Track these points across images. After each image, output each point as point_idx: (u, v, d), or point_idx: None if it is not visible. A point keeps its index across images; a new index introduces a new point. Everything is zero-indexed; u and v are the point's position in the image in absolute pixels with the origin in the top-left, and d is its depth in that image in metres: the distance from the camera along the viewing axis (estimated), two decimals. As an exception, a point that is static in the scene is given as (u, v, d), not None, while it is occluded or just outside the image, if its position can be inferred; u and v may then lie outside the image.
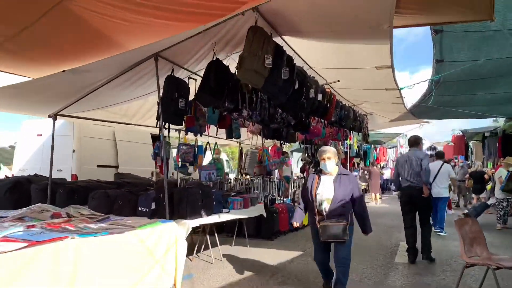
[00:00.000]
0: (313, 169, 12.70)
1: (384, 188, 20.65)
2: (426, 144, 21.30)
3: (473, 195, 13.00)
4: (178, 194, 4.74)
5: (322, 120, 8.38)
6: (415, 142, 6.55)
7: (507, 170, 8.89)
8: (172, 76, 4.90)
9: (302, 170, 11.13)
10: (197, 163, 6.01)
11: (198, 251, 6.45)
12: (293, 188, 9.03)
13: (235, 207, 5.98)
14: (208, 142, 7.15)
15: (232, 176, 14.01)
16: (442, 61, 6.04)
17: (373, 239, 7.50)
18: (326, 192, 4.24)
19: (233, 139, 7.00)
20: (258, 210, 6.62)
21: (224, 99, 4.65)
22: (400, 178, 6.39)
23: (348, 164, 18.17)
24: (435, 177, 8.10)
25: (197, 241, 6.43)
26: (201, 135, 5.68)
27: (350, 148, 17.71)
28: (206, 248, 6.31)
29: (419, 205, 6.10)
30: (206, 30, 4.30)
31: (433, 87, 6.64)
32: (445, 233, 8.44)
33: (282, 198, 8.72)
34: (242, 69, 4.10)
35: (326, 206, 4.19)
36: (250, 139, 10.73)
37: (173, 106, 4.83)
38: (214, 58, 4.66)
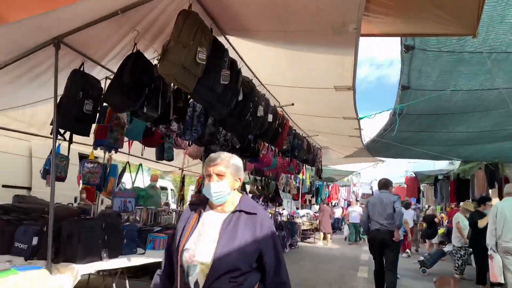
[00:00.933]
0: (262, 203, 11.66)
1: (335, 227, 19.95)
2: (376, 184, 21.07)
3: (426, 240, 12.47)
4: (68, 227, 3.48)
5: (273, 148, 7.43)
6: (385, 184, 6.49)
7: (465, 216, 8.33)
8: (79, 71, 3.75)
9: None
10: (106, 188, 4.76)
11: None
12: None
13: (157, 247, 4.74)
14: (127, 162, 5.91)
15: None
16: (408, 88, 5.35)
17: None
18: (202, 249, 1.89)
19: (167, 162, 5.79)
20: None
21: (142, 102, 3.55)
22: (369, 220, 6.24)
23: (300, 200, 17.42)
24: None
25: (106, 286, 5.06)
26: (115, 152, 4.47)
27: (302, 184, 17.01)
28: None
29: (388, 248, 5.97)
30: (123, 11, 3.28)
31: (397, 117, 5.94)
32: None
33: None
34: (166, 62, 3.04)
35: (199, 279, 1.84)
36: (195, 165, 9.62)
37: (76, 109, 3.64)
38: (134, 50, 3.59)
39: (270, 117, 5.24)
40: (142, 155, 5.34)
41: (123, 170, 5.81)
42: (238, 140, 5.63)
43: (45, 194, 7.48)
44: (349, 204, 18.09)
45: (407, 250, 12.42)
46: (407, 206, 11.91)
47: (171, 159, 5.63)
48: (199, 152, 6.29)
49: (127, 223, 4.25)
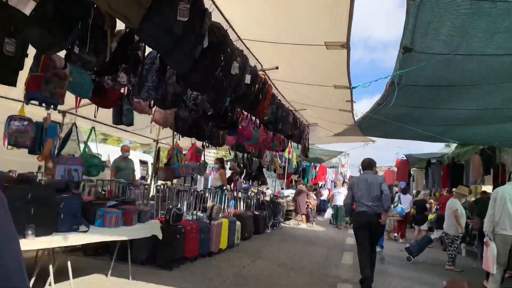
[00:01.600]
0: (244, 181, 10.98)
1: (321, 209, 19.47)
2: (366, 167, 20.51)
3: (414, 226, 11.96)
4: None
5: (254, 119, 6.66)
6: (368, 165, 6.18)
7: (459, 200, 7.74)
8: (-5, -2, 2.89)
9: (230, 180, 9.37)
10: (41, 152, 3.96)
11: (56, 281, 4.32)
12: (210, 201, 7.19)
13: (107, 223, 4.00)
14: (74, 124, 5.07)
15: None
16: (411, 50, 4.57)
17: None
18: None
19: (124, 126, 4.97)
20: (148, 229, 4.67)
21: (72, 40, 2.72)
22: (353, 201, 5.90)
23: (286, 181, 16.81)
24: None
25: (55, 265, 4.30)
26: (54, 108, 3.65)
27: (288, 163, 16.37)
28: (64, 276, 4.21)
29: (374, 231, 5.71)
30: None
31: (396, 85, 5.18)
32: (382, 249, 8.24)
33: (195, 213, 6.83)
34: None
35: None
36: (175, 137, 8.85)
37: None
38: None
39: (248, 78, 4.45)
40: (95, 116, 4.52)
41: (69, 133, 4.98)
42: (210, 105, 4.83)
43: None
44: (335, 186, 17.40)
45: (395, 234, 11.97)
46: (404, 191, 11.36)
47: (130, 123, 4.82)
48: (167, 118, 5.49)
49: (66, 195, 3.49)
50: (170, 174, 5.83)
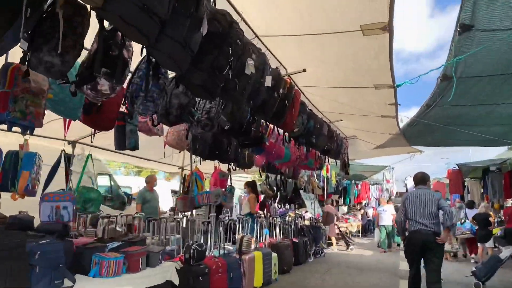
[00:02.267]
0: (279, 205, 10.00)
1: (366, 229, 18.02)
2: (411, 181, 18.96)
3: (479, 244, 10.44)
4: None
5: (283, 133, 5.79)
6: (422, 179, 5.62)
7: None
8: None
9: (263, 206, 8.45)
10: (15, 188, 3.26)
11: None
12: (240, 231, 6.28)
13: (105, 272, 3.20)
14: (89, 155, 4.32)
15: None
16: (471, 28, 3.61)
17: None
18: None
19: (128, 151, 4.23)
20: (159, 274, 3.83)
21: (15, 33, 2.00)
22: (406, 219, 5.40)
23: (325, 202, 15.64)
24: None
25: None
26: (31, 133, 2.94)
27: (327, 183, 15.26)
28: None
29: (430, 253, 5.10)
30: None
31: (454, 75, 4.18)
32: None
33: (221, 247, 5.96)
34: None
35: None
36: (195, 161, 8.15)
37: None
38: None
39: (268, 81, 3.62)
40: (91, 142, 3.82)
41: (57, 163, 4.29)
42: (227, 118, 4.03)
43: None
44: (379, 204, 15.88)
45: (473, 255, 10.59)
46: (470, 205, 9.97)
47: (134, 147, 4.07)
48: (182, 139, 4.73)
49: (44, 241, 2.74)
50: (188, 204, 5.03)
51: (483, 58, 4.21)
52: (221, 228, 6.00)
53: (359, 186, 17.59)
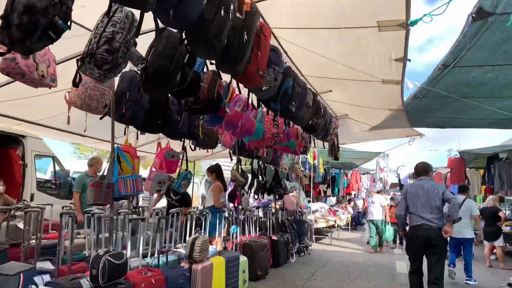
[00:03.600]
0: (253, 195, 8.47)
1: (356, 222, 16.68)
2: (405, 171, 17.63)
3: (485, 242, 9.12)
4: None
5: (250, 98, 4.23)
6: (424, 169, 5.20)
7: None
8: None
9: (232, 196, 6.86)
10: None
11: None
12: (194, 230, 4.71)
13: None
14: None
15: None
16: None
17: None
18: None
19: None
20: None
21: None
22: (407, 213, 5.06)
23: (312, 192, 14.23)
24: None
25: None
26: None
27: (314, 171, 13.84)
28: None
29: (432, 250, 4.75)
30: None
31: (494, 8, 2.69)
32: (475, 281, 6.90)
33: (174, 251, 4.44)
34: None
35: None
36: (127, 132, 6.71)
37: None
38: None
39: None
40: None
41: None
42: (154, 56, 2.47)
43: None
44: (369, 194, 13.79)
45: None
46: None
47: None
48: (89, 96, 3.14)
49: None
50: (102, 194, 3.45)
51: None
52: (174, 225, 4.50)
53: (349, 175, 16.22)
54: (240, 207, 6.61)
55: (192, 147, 5.37)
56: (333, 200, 15.54)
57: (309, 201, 14.18)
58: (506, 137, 10.27)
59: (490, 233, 8.89)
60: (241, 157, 7.07)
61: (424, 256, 4.86)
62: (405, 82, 5.05)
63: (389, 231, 11.20)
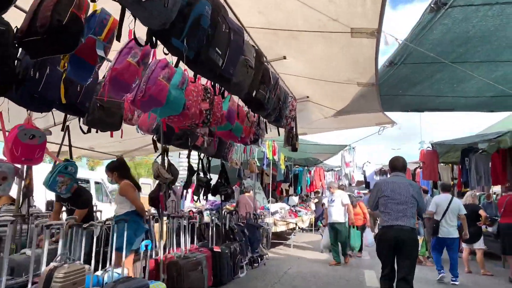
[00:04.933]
0: (200, 197, 6.84)
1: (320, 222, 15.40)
2: (371, 167, 16.56)
3: (463, 245, 7.99)
4: None
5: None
6: (399, 165, 4.79)
7: None
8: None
9: (154, 199, 5.17)
10: None
11: None
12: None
13: None
14: None
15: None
16: None
17: None
18: None
19: None
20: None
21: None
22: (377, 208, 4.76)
23: (270, 190, 12.81)
24: (444, 213, 6.68)
25: None
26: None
27: (276, 167, 12.46)
28: None
29: (402, 253, 4.43)
30: None
31: None
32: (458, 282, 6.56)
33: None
34: None
35: None
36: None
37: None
38: None
39: None
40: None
41: None
42: None
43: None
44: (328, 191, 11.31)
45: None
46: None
47: None
48: None
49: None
50: None
51: None
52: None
53: (312, 172, 14.91)
54: (162, 211, 4.94)
55: (84, 127, 3.71)
56: (295, 199, 14.16)
57: (269, 201, 12.76)
58: (472, 131, 9.26)
59: (469, 234, 7.75)
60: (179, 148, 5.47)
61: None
62: (383, 36, 3.64)
63: (354, 237, 9.21)
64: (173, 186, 5.51)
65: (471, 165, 9.10)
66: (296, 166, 15.62)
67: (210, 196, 9.15)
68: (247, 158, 8.97)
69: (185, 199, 9.05)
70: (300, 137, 7.08)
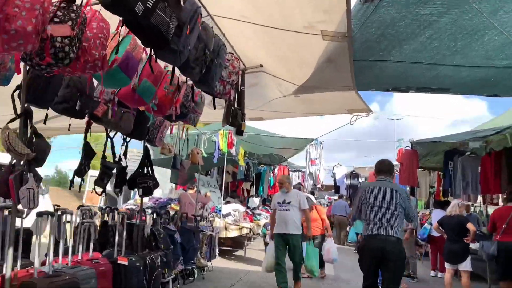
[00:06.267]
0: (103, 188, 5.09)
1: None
2: (341, 170, 15.19)
3: (446, 265, 6.57)
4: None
5: None
6: (385, 168, 4.61)
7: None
8: None
9: (1, 185, 3.51)
10: None
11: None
12: None
13: None
14: None
15: None
16: None
17: None
18: None
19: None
20: None
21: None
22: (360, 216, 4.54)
23: (230, 190, 11.17)
24: None
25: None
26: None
27: (236, 166, 10.91)
28: None
29: (388, 265, 4.20)
30: None
31: None
32: None
33: None
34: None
35: None
36: None
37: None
38: None
39: None
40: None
41: None
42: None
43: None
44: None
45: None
46: (439, 204, 5.97)
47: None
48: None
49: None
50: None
51: None
52: None
53: (275, 171, 13.39)
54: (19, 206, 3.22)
55: None
56: (256, 201, 12.56)
57: (225, 202, 11.18)
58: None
59: (454, 253, 6.36)
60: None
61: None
62: None
63: (311, 254, 6.44)
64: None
65: (457, 170, 7.77)
66: (262, 165, 14.09)
67: (155, 193, 7.65)
68: (189, 147, 7.28)
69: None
70: (258, 125, 5.52)
